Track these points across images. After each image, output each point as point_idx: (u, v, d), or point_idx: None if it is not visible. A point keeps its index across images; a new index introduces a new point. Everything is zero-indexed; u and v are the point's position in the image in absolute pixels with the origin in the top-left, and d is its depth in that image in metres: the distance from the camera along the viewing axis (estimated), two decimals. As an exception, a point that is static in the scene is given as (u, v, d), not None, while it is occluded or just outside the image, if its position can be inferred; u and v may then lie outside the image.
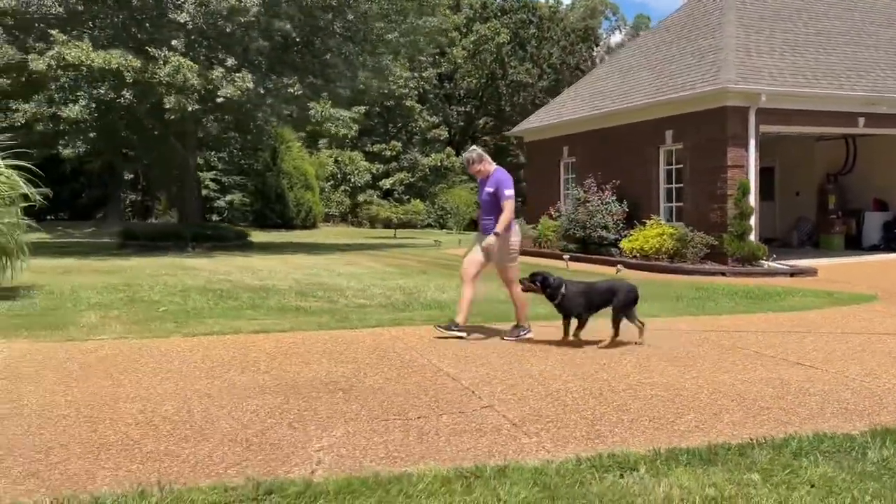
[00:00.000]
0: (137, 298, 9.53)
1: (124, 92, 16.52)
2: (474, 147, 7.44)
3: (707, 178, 14.58)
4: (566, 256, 14.90)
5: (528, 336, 6.94)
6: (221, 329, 7.35)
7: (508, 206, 6.81)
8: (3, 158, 9.02)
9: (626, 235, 15.73)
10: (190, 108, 16.04)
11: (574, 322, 6.68)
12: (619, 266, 13.57)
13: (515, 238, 7.06)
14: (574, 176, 18.67)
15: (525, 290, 6.80)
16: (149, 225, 33.13)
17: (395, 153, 42.14)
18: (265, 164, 34.85)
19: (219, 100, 16.42)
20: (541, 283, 6.64)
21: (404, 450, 3.84)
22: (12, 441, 3.90)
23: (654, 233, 14.92)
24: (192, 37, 17.40)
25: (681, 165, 15.52)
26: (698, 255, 14.17)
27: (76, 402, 4.65)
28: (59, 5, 16.93)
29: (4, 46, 16.88)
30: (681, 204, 15.53)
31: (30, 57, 16.08)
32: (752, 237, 13.95)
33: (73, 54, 15.42)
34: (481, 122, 47.54)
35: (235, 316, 8.21)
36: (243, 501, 3.15)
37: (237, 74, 16.22)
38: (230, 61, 16.79)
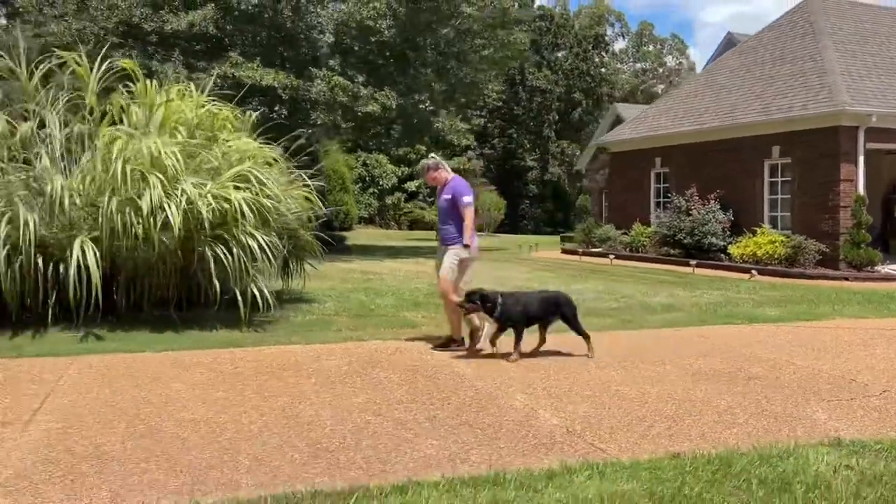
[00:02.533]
0: (411, 300, 10.43)
1: (276, 108, 17.45)
2: (432, 155, 7.44)
3: (817, 191, 15.97)
4: (754, 272, 15.07)
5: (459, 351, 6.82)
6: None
7: (468, 214, 6.76)
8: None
9: (731, 242, 17.07)
10: (343, 125, 17.04)
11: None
12: (752, 272, 14.87)
13: (474, 250, 6.93)
14: (667, 185, 19.99)
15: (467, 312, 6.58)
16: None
17: (419, 156, 43.14)
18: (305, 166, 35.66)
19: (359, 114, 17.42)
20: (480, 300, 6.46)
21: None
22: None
23: (766, 240, 16.28)
24: (335, 56, 18.38)
25: (787, 178, 16.90)
26: (811, 261, 15.54)
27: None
28: (213, 27, 17.72)
29: (180, 67, 17.54)
30: (786, 213, 16.91)
31: (196, 76, 16.72)
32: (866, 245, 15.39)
33: (246, 74, 16.21)
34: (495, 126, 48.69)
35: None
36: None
37: (381, 92, 17.20)
38: (360, 78, 17.76)
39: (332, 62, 17.36)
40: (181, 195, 7.50)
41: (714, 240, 17.31)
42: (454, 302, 6.65)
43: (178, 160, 7.76)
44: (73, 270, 7.07)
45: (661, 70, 61.40)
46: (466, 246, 6.77)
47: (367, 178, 42.75)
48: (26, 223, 7.31)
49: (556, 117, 49.14)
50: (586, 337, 6.69)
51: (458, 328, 6.97)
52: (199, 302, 8.24)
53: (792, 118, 16.34)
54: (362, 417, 4.68)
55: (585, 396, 5.30)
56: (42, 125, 8.65)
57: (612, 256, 18.83)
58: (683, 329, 8.55)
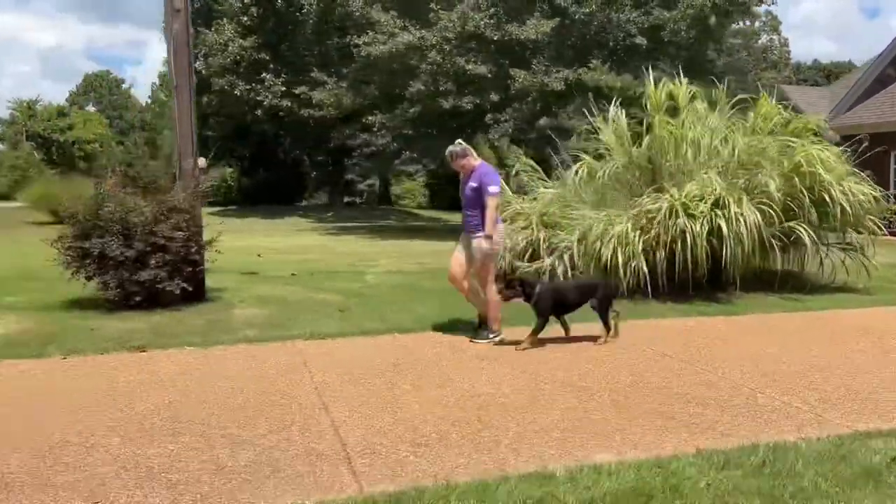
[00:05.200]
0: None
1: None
2: (459, 141, 6.96)
3: None
4: None
5: (498, 340, 6.59)
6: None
7: (492, 203, 6.45)
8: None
9: None
10: None
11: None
12: None
13: (499, 238, 6.76)
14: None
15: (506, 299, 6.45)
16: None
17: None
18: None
19: None
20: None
21: None
22: None
23: None
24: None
25: None
26: None
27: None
28: (534, 35, 18.55)
29: (525, 74, 18.71)
30: None
31: (545, 79, 18.27)
32: None
33: (591, 77, 17.88)
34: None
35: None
36: None
37: None
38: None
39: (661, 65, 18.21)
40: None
41: None
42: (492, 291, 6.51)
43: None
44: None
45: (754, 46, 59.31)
46: (489, 237, 6.47)
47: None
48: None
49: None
50: (607, 328, 6.57)
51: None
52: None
53: None
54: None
55: None
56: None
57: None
58: None
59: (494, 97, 18.63)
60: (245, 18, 31.98)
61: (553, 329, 6.61)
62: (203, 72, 38.40)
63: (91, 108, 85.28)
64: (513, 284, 6.42)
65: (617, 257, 8.60)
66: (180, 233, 7.94)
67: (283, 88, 31.98)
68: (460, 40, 18.80)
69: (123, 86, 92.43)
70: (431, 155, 21.71)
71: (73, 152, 70.80)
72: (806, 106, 24.07)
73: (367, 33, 20.36)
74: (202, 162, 8.50)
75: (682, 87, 10.16)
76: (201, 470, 3.64)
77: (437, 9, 19.34)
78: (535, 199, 10.68)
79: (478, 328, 6.89)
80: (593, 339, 6.58)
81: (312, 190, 43.20)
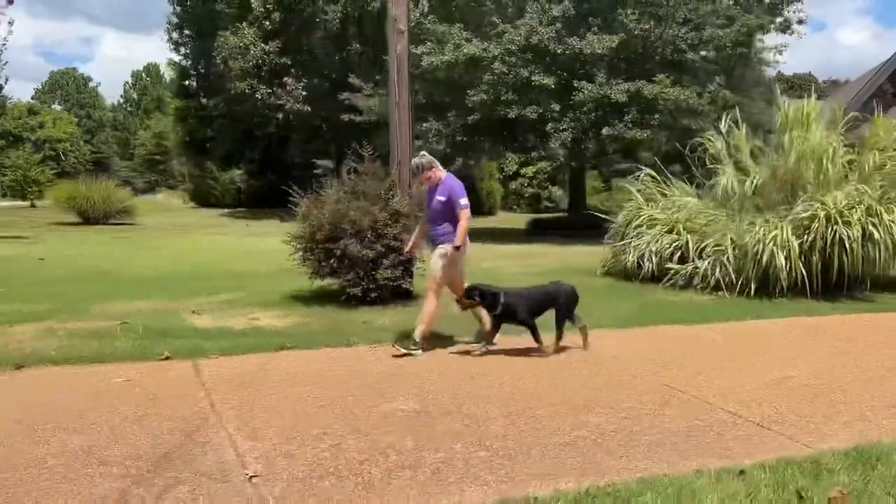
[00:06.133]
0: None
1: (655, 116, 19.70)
2: (424, 153, 6.91)
3: None
4: None
5: (421, 355, 6.36)
6: None
7: (465, 216, 6.44)
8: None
9: None
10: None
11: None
12: None
13: (465, 250, 6.69)
14: None
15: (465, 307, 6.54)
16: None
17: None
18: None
19: None
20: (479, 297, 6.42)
21: None
22: None
23: None
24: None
25: None
26: None
27: None
28: (600, 49, 19.53)
29: (591, 86, 19.75)
30: None
31: (608, 91, 19.39)
32: None
33: (650, 89, 19.10)
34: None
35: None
36: None
37: None
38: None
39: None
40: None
41: None
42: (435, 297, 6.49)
43: None
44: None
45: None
46: (457, 248, 6.42)
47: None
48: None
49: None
50: (559, 337, 6.46)
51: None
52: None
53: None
54: None
55: None
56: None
57: None
58: None
59: (556, 107, 19.60)
60: (267, 23, 32.32)
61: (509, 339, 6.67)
62: (210, 75, 38.56)
63: (57, 107, 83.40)
64: (472, 294, 6.40)
65: (778, 259, 9.61)
66: (408, 235, 8.64)
67: (305, 93, 32.46)
68: (523, 53, 19.72)
69: (90, 84, 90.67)
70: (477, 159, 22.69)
71: (45, 152, 69.32)
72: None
73: (424, 43, 21.09)
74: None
75: (811, 105, 11.23)
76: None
77: (500, 22, 20.25)
78: (670, 207, 11.62)
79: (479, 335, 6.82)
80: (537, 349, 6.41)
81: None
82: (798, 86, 66.06)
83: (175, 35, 41.21)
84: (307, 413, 4.68)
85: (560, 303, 6.49)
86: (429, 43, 21.03)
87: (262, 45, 31.91)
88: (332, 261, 8.43)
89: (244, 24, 32.27)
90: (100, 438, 4.19)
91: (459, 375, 5.69)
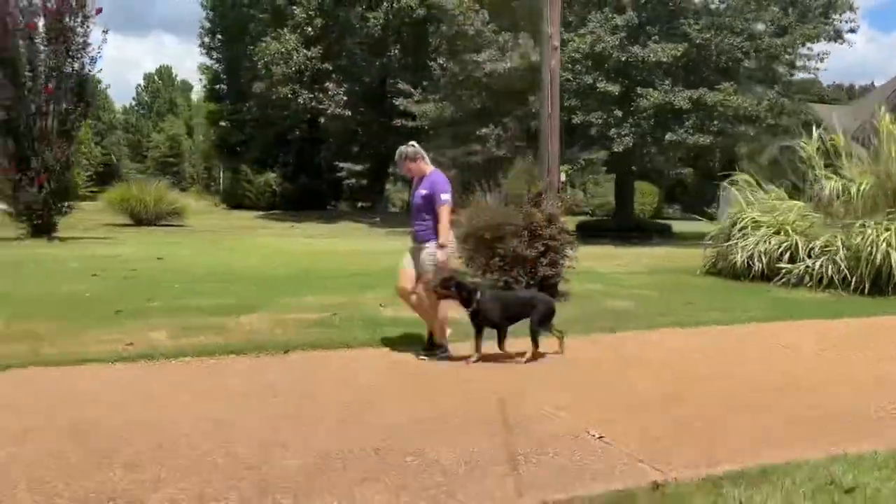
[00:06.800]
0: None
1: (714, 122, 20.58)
2: (412, 143, 6.59)
3: None
4: None
5: (445, 356, 6.26)
6: None
7: (445, 212, 6.13)
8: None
9: None
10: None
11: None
12: None
13: (452, 248, 6.48)
14: None
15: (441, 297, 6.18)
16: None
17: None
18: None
19: None
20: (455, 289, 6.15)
21: None
22: None
23: None
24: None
25: None
26: None
27: None
28: (664, 57, 20.43)
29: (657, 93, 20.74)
30: None
31: (672, 98, 20.42)
32: None
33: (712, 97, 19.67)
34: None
35: None
36: None
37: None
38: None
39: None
40: None
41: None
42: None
43: None
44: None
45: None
46: (442, 246, 6.17)
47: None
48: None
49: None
50: (535, 344, 6.20)
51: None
52: None
53: None
54: None
55: None
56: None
57: None
58: None
59: (618, 113, 20.33)
60: (309, 29, 32.93)
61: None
62: (241, 80, 39.06)
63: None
64: (448, 284, 6.10)
65: (893, 259, 10.31)
66: (566, 235, 9.33)
67: (345, 98, 33.09)
68: (585, 60, 20.44)
69: (100, 86, 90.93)
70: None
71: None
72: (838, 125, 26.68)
73: (483, 51, 21.76)
74: (562, 177, 9.83)
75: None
76: None
77: (564, 31, 20.94)
78: (769, 210, 12.30)
79: (427, 345, 6.51)
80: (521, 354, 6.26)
81: (349, 197, 44.32)
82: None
83: (207, 39, 41.78)
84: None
85: (536, 312, 6.22)
86: (489, 51, 21.71)
87: (304, 50, 32.52)
88: (496, 259, 9.07)
89: (285, 29, 32.87)
90: (446, 409, 4.82)
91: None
